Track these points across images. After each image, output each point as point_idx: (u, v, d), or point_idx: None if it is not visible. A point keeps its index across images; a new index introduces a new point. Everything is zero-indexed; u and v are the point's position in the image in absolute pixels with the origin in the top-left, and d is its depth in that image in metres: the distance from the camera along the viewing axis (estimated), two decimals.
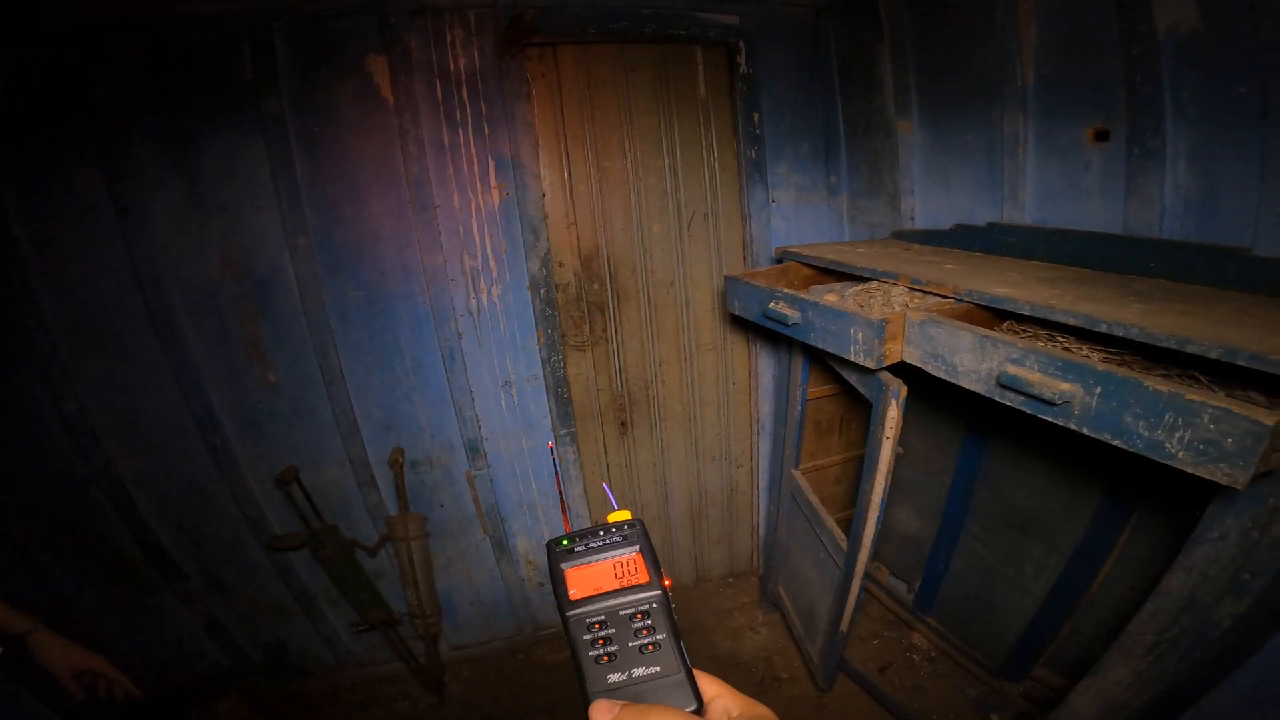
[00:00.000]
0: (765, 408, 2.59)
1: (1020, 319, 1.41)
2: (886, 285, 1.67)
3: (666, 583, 0.54)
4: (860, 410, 2.39)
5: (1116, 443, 1.04)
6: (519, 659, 2.63)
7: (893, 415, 1.57)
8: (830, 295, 1.78)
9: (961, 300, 1.45)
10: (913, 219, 2.10)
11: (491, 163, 2.14)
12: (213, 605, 2.34)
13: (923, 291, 1.56)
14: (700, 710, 0.46)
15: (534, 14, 2.03)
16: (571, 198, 2.29)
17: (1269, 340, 1.01)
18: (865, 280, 1.76)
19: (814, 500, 2.10)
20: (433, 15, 1.97)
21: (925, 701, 2.15)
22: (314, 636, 2.47)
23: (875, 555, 2.57)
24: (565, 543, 0.55)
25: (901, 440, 2.28)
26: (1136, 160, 1.47)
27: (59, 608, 2.02)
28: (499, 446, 2.39)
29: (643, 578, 0.53)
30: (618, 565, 0.53)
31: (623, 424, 2.56)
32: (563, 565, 0.54)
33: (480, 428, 2.34)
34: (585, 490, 2.53)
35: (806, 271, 2.01)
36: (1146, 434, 0.99)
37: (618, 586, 0.52)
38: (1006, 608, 2.04)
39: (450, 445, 2.35)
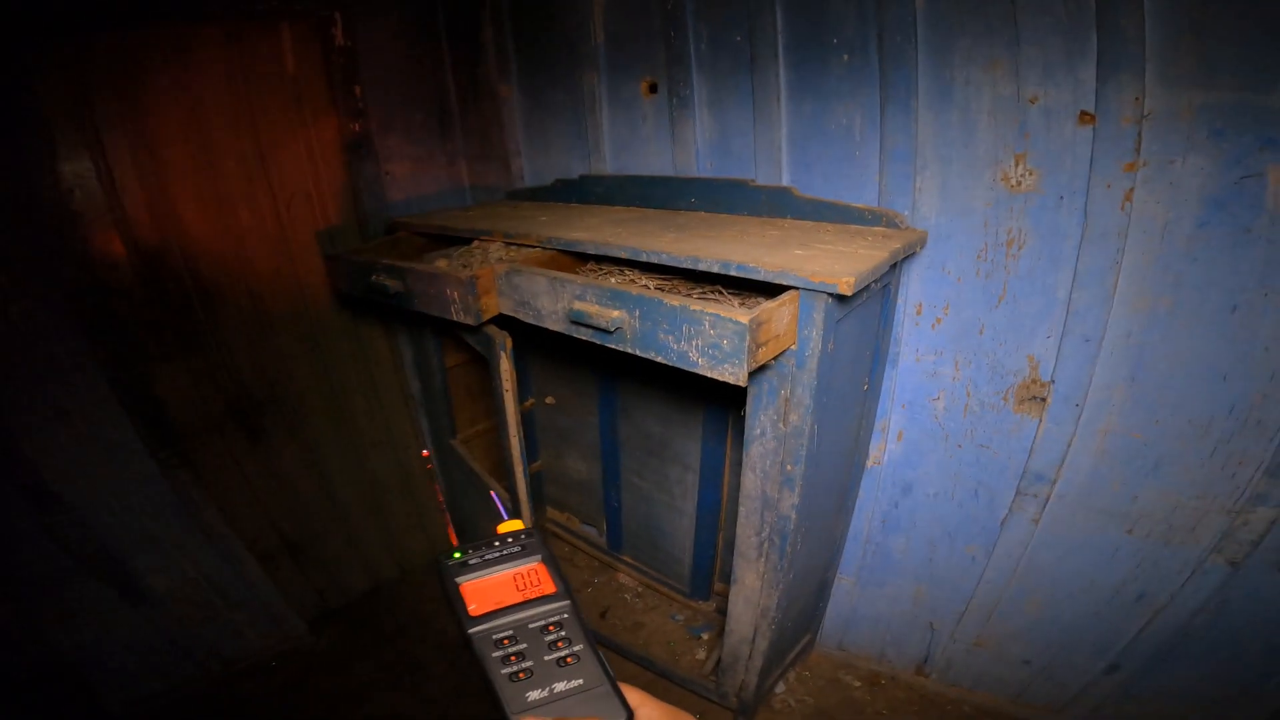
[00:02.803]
0: (415, 384, 2.45)
1: (593, 259, 1.48)
2: (485, 243, 1.64)
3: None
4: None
5: (659, 359, 1.13)
6: (221, 699, 2.22)
7: (505, 367, 1.56)
8: (441, 260, 1.70)
9: (545, 248, 1.48)
10: (522, 178, 2.12)
11: None
12: None
13: (517, 244, 1.56)
14: (630, 718, 0.43)
15: None
16: (116, 191, 1.81)
17: (753, 253, 1.19)
18: (468, 241, 1.71)
19: (475, 467, 2.05)
20: None
21: (645, 635, 2.26)
22: None
23: (562, 507, 2.67)
24: (457, 555, 0.51)
25: (551, 390, 2.36)
26: (676, 109, 1.64)
27: None
28: (79, 486, 1.85)
29: (549, 588, 0.50)
30: (519, 576, 0.51)
31: (251, 430, 2.18)
32: (457, 579, 0.50)
33: (38, 470, 1.78)
34: (227, 514, 2.13)
35: (419, 240, 1.90)
36: (676, 346, 1.09)
37: (522, 599, 0.49)
38: (675, 532, 2.22)
39: None
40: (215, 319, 2.03)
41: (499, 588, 0.50)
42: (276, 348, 2.17)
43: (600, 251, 1.35)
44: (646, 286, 1.38)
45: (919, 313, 1.43)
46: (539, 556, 0.52)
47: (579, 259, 1.52)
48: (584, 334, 1.25)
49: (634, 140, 1.78)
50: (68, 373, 1.80)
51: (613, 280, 1.42)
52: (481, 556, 0.51)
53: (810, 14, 1.36)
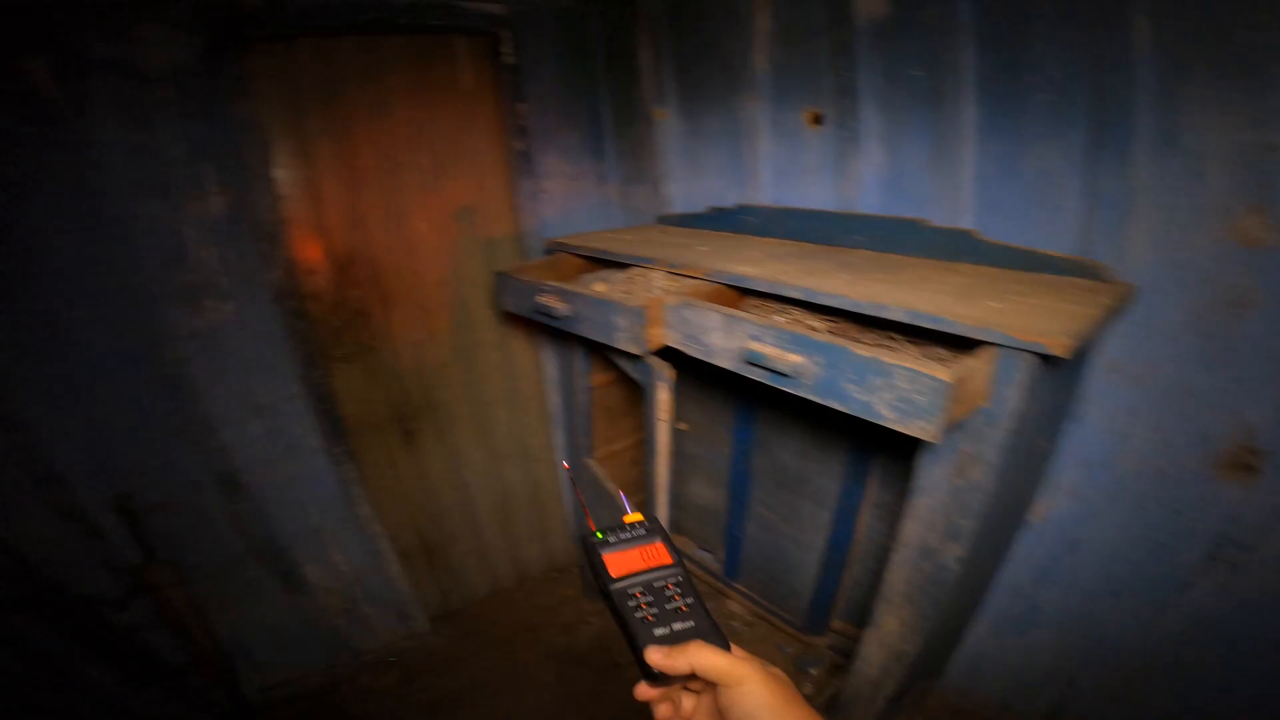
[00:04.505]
0: (555, 399, 2.54)
1: (760, 295, 1.49)
2: (648, 271, 1.69)
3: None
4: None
5: (840, 407, 1.11)
6: (343, 690, 2.35)
7: (663, 398, 1.60)
8: (599, 284, 1.77)
9: (710, 281, 1.50)
10: (674, 203, 2.16)
11: (210, 165, 1.80)
12: None
13: (679, 275, 1.60)
14: (728, 649, 0.57)
15: (258, 6, 1.74)
16: (318, 200, 2.02)
17: (941, 301, 1.15)
18: (630, 267, 1.76)
19: (611, 487, 2.11)
20: (115, 10, 1.60)
21: None
22: (82, 703, 1.96)
23: (679, 530, 2.69)
24: (599, 535, 0.66)
25: (684, 416, 2.38)
26: (843, 142, 1.62)
27: None
28: (261, 476, 2.07)
29: (667, 560, 0.65)
30: (644, 552, 0.65)
31: (408, 433, 2.36)
32: (601, 551, 0.64)
33: (232, 459, 2.01)
34: (378, 511, 2.31)
35: (577, 261, 1.98)
36: (860, 397, 1.07)
37: (646, 567, 0.64)
38: (798, 566, 2.19)
39: (194, 482, 1.98)
40: (389, 325, 2.22)
41: (630, 559, 0.64)
42: (436, 356, 2.33)
43: (771, 290, 1.36)
44: (814, 328, 1.37)
45: (1114, 370, 1.32)
46: (659, 537, 0.67)
47: (741, 293, 1.53)
48: (756, 374, 1.25)
49: (794, 171, 1.77)
50: (267, 370, 2.02)
51: (779, 319, 1.42)
52: (618, 536, 0.66)
53: (1008, 52, 1.30)
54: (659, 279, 1.63)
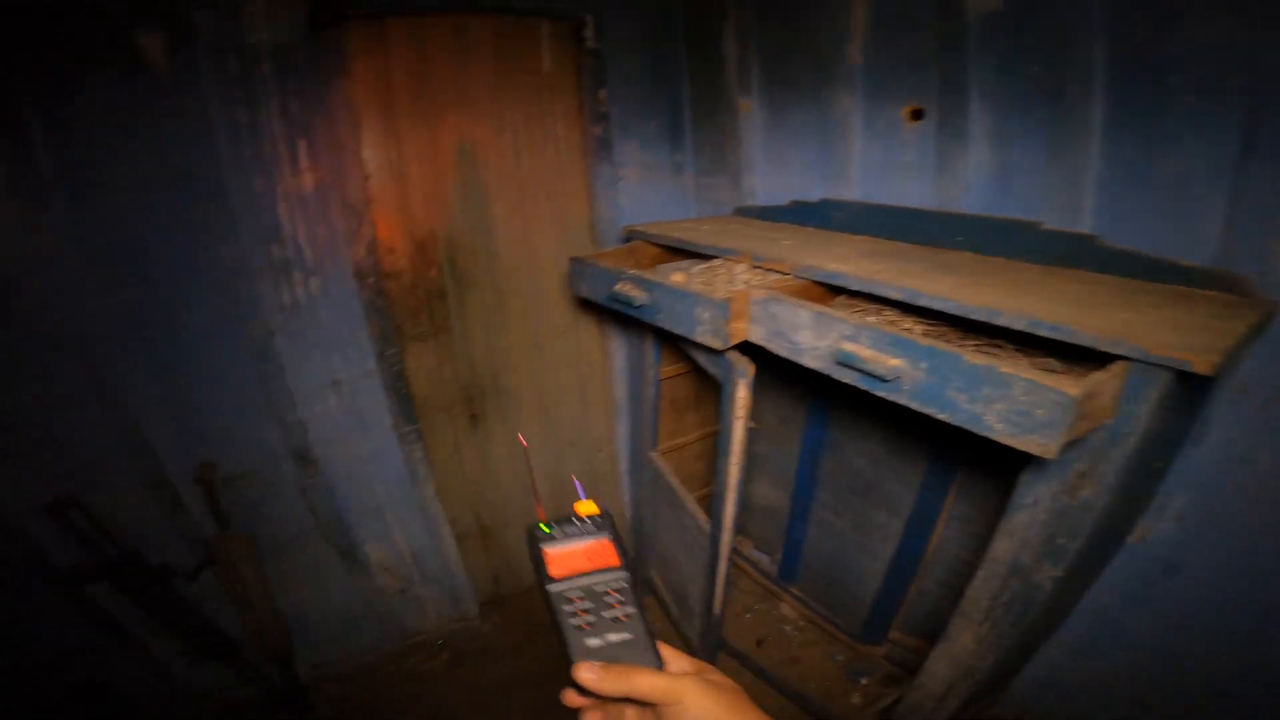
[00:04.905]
0: (620, 390, 2.53)
1: (851, 293, 1.43)
2: (730, 263, 1.65)
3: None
4: (714, 386, 2.40)
5: (943, 417, 1.06)
6: (391, 671, 2.41)
7: (742, 396, 1.56)
8: (677, 275, 1.74)
9: (798, 276, 1.45)
10: (754, 195, 2.11)
11: (302, 144, 1.85)
12: None
13: (763, 269, 1.56)
14: (662, 668, 0.55)
15: None
16: (402, 179, 2.06)
17: (1062, 310, 1.08)
18: (710, 258, 1.73)
19: (674, 482, 2.08)
20: None
21: (801, 671, 2.21)
22: (140, 673, 2.07)
23: (742, 532, 2.65)
24: (545, 529, 0.63)
25: (754, 414, 2.34)
26: (945, 139, 1.54)
27: None
28: (333, 451, 2.13)
29: (613, 561, 0.61)
30: (590, 549, 0.61)
31: (474, 416, 2.39)
32: (543, 547, 0.61)
33: (307, 433, 2.07)
34: (436, 490, 2.35)
35: (654, 250, 1.95)
36: (968, 407, 1.01)
37: (591, 568, 0.60)
38: (860, 573, 2.13)
39: (273, 455, 2.05)
40: (463, 307, 2.25)
41: (574, 557, 0.61)
42: (506, 340, 2.35)
43: (868, 289, 1.30)
44: (909, 330, 1.31)
45: (1243, 391, 1.22)
46: (608, 534, 0.63)
47: (829, 290, 1.48)
48: (847, 376, 1.21)
49: (887, 167, 1.70)
50: (346, 346, 2.07)
51: (871, 319, 1.37)
52: (563, 531, 0.63)
53: (1145, 48, 1.20)
54: (742, 272, 1.60)
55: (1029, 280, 1.26)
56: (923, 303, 1.20)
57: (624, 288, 1.66)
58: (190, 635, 2.02)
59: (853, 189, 1.79)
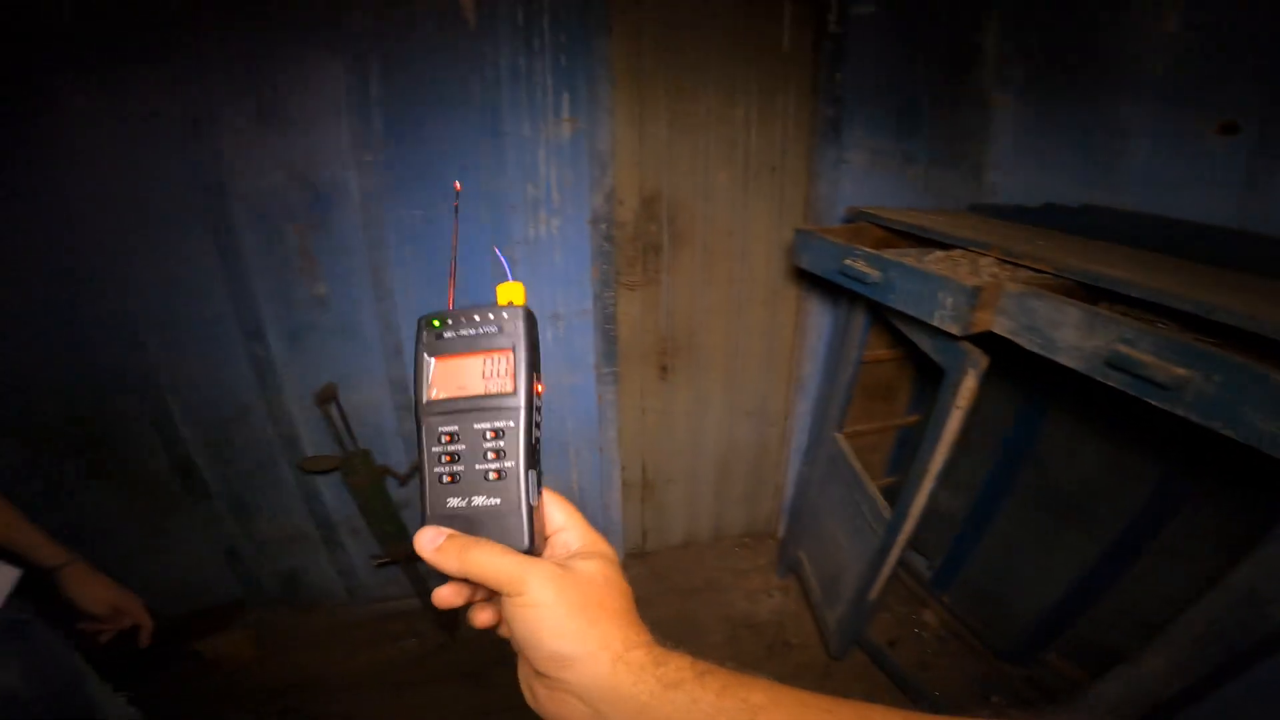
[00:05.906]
0: (807, 367, 2.57)
1: (1120, 300, 1.38)
2: (974, 255, 1.64)
3: (539, 389, 0.47)
4: (912, 378, 2.38)
5: (1227, 432, 1.02)
6: None
7: (969, 385, 1.56)
8: (907, 259, 1.75)
9: (1061, 276, 1.42)
10: (995, 193, 2.04)
11: (566, 94, 2.07)
12: (232, 530, 2.34)
13: (1014, 264, 1.53)
14: (532, 549, 0.44)
15: None
16: (641, 137, 2.23)
17: None
18: (948, 248, 1.72)
19: (857, 466, 2.11)
20: None
21: (929, 678, 2.19)
22: (330, 569, 2.49)
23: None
24: (436, 323, 0.47)
25: None
26: (1261, 156, 1.42)
27: (74, 524, 2.00)
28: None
29: (508, 386, 0.45)
30: (487, 363, 0.46)
31: (664, 368, 2.54)
32: (428, 354, 0.47)
33: None
34: (619, 432, 2.53)
35: (879, 233, 1.97)
36: (1263, 426, 0.98)
37: (481, 392, 0.46)
38: (1027, 593, 2.06)
39: None
40: (674, 263, 2.39)
41: (464, 372, 0.46)
42: (707, 301, 2.48)
43: (1148, 297, 1.25)
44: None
45: None
46: (512, 344, 0.46)
47: (1090, 295, 1.43)
48: (1116, 380, 1.18)
49: (1178, 180, 1.58)
50: (570, 283, 2.29)
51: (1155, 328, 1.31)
52: (457, 332, 0.47)
53: None
54: (988, 265, 1.58)
55: None
56: (1218, 317, 1.14)
57: (855, 263, 1.71)
58: (385, 539, 2.33)
59: (1126, 198, 1.69)
